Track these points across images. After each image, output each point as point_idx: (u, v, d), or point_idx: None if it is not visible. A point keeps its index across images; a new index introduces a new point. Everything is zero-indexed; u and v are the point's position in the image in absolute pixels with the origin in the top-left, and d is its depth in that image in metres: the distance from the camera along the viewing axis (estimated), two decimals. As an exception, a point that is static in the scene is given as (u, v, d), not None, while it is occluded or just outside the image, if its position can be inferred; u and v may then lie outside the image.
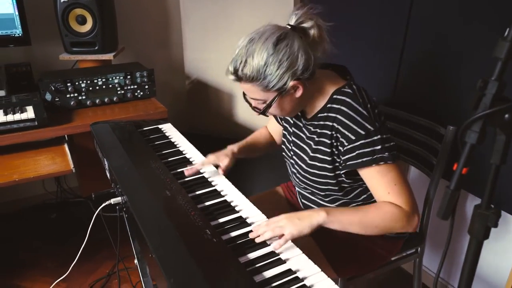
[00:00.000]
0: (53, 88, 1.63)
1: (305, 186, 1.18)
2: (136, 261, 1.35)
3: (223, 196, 1.09)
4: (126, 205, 1.07)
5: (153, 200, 1.03)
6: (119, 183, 1.10)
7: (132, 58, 2.24)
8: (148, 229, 0.91)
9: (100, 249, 1.89)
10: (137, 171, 1.16)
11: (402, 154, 1.43)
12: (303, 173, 1.14)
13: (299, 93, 1.01)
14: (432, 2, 1.48)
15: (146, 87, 1.80)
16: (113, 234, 1.29)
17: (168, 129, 1.53)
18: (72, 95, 1.67)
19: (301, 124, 1.16)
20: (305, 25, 1.01)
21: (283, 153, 1.27)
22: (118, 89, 1.75)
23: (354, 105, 1.00)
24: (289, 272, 0.82)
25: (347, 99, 1.01)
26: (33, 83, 1.85)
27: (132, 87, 1.78)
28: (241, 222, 0.99)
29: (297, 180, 1.20)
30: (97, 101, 1.72)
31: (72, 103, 1.67)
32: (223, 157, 1.21)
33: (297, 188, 1.29)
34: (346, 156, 1.01)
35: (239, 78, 1.00)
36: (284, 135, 1.25)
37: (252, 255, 0.87)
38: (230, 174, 1.22)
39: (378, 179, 1.00)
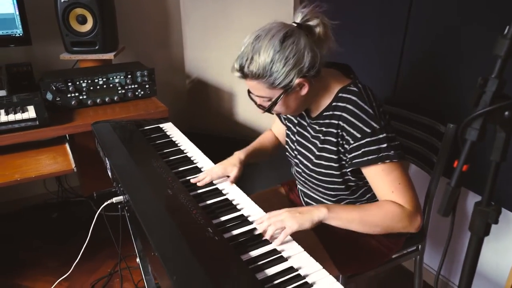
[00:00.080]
0: (54, 88, 1.63)
1: (310, 185, 1.18)
2: (138, 259, 1.36)
3: (224, 195, 1.10)
4: (128, 204, 1.08)
5: (155, 198, 1.03)
6: (120, 182, 1.11)
7: (133, 57, 2.24)
8: (150, 227, 0.91)
9: (101, 248, 1.89)
10: (139, 170, 1.17)
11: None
12: (308, 172, 1.14)
13: (304, 90, 1.01)
14: (431, 1, 1.48)
15: (147, 86, 1.81)
16: (115, 233, 1.30)
17: (169, 128, 1.54)
18: (73, 94, 1.67)
19: (305, 123, 1.16)
20: (310, 23, 1.01)
21: (287, 153, 1.27)
22: (119, 88, 1.76)
23: (360, 103, 1.00)
24: (291, 269, 0.83)
25: (353, 97, 1.01)
26: (34, 83, 1.86)
27: (132, 86, 1.78)
28: (243, 220, 0.99)
29: (302, 179, 1.20)
30: (98, 100, 1.72)
31: (73, 102, 1.68)
32: (231, 168, 1.18)
33: (299, 187, 1.29)
34: (352, 154, 1.01)
35: (244, 75, 1.00)
36: (287, 135, 1.25)
37: (254, 253, 0.87)
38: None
39: (382, 178, 1.00)
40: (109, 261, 1.90)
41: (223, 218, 1.00)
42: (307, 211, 0.97)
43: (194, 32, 2.29)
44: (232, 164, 1.19)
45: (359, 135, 0.99)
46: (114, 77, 1.74)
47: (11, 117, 1.47)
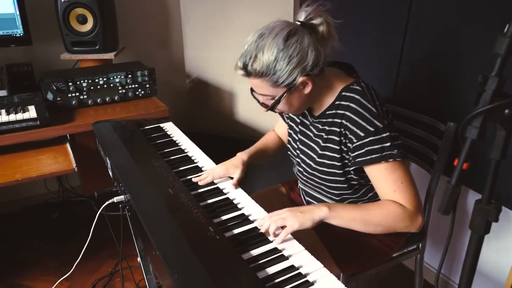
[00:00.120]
0: (54, 88, 1.63)
1: (312, 183, 1.18)
2: (139, 259, 1.36)
3: (225, 194, 1.10)
4: (129, 203, 1.08)
5: (156, 198, 1.04)
6: (121, 182, 1.11)
7: (133, 57, 2.24)
8: (152, 226, 0.91)
9: (102, 248, 1.90)
10: (140, 170, 1.17)
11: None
12: (311, 171, 1.14)
13: (308, 89, 1.01)
14: (431, 1, 1.48)
15: (147, 86, 1.81)
16: (115, 233, 1.30)
17: (170, 127, 1.54)
18: (73, 94, 1.68)
19: (308, 122, 1.16)
20: (314, 21, 1.01)
21: (289, 152, 1.27)
22: (119, 88, 1.76)
23: (363, 102, 1.00)
24: (292, 268, 0.83)
25: (356, 96, 1.01)
26: (34, 83, 1.86)
27: (133, 86, 1.78)
28: (244, 219, 0.99)
29: (304, 178, 1.20)
30: (98, 100, 1.73)
31: (73, 102, 1.68)
32: (233, 169, 1.18)
33: (301, 186, 1.29)
34: (355, 153, 1.01)
35: (248, 74, 1.00)
36: (289, 134, 1.25)
37: (255, 251, 0.88)
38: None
39: (384, 177, 1.00)
40: (110, 260, 1.90)
41: (224, 217, 1.00)
42: (308, 210, 0.97)
43: (194, 31, 2.30)
44: (234, 166, 1.18)
45: (362, 134, 0.99)
46: (115, 77, 1.74)
47: (12, 117, 1.48)
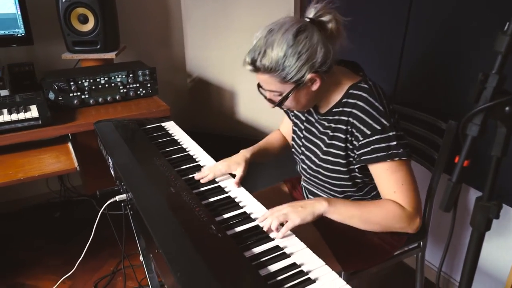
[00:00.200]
0: (56, 87, 1.64)
1: (316, 181, 1.18)
2: (141, 257, 1.37)
3: (227, 192, 1.11)
4: (131, 202, 1.08)
5: (158, 196, 1.04)
6: (123, 180, 1.11)
7: (134, 57, 2.25)
8: (154, 224, 0.92)
9: (104, 247, 1.90)
10: (142, 168, 1.17)
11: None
12: (315, 168, 1.14)
13: (316, 86, 1.01)
14: (431, 1, 1.48)
15: (148, 85, 1.81)
16: (117, 232, 1.30)
17: (171, 127, 1.54)
18: (75, 94, 1.68)
19: (313, 120, 1.16)
20: (323, 18, 1.00)
21: (293, 149, 1.27)
22: (121, 87, 1.76)
23: (371, 100, 1.00)
24: (293, 266, 0.83)
25: (364, 94, 1.01)
26: (36, 82, 1.86)
27: (134, 85, 1.79)
28: (245, 217, 1.00)
29: (308, 175, 1.20)
30: (100, 99, 1.73)
31: (75, 102, 1.69)
32: (235, 166, 1.17)
33: (304, 184, 1.30)
34: (361, 151, 1.02)
35: (256, 69, 1.00)
36: (294, 131, 1.25)
37: (257, 249, 0.88)
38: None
39: (387, 176, 1.00)
40: (112, 260, 1.90)
41: (226, 216, 1.00)
42: (309, 204, 0.97)
43: (195, 31, 2.30)
44: (236, 163, 1.18)
45: (369, 132, 0.99)
46: (116, 76, 1.74)
47: (14, 116, 1.48)
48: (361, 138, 1.01)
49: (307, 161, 1.18)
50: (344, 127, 1.04)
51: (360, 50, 1.81)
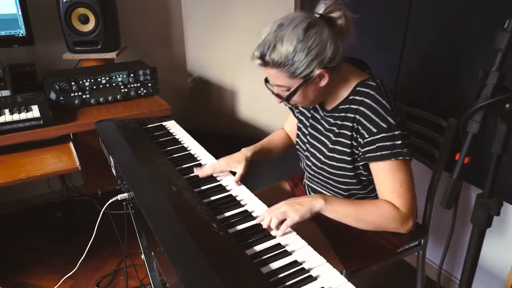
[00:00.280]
0: (57, 87, 1.64)
1: (320, 178, 1.18)
2: (143, 256, 1.37)
3: (228, 191, 1.11)
4: (133, 201, 1.09)
5: (160, 195, 1.04)
6: (125, 179, 1.12)
7: (135, 56, 2.25)
8: (156, 223, 0.92)
9: (105, 246, 1.91)
10: (143, 168, 1.17)
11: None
12: (320, 165, 1.14)
13: (324, 82, 1.01)
14: (431, 1, 1.49)
15: (149, 85, 1.82)
16: (119, 231, 1.31)
17: (172, 126, 1.55)
18: (76, 93, 1.69)
19: (319, 116, 1.16)
20: (333, 15, 1.00)
21: (297, 146, 1.27)
22: (122, 87, 1.77)
23: (378, 98, 1.00)
24: (295, 263, 0.84)
25: (371, 92, 1.01)
26: (37, 83, 1.87)
27: (135, 85, 1.79)
28: (247, 215, 1.00)
29: (312, 172, 1.20)
30: (101, 99, 1.74)
31: (76, 101, 1.69)
32: (236, 164, 1.17)
33: (307, 182, 1.30)
34: (365, 148, 1.02)
35: (265, 63, 0.99)
36: (299, 128, 1.25)
37: (259, 247, 0.88)
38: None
39: (387, 176, 1.01)
40: (113, 259, 1.91)
41: (227, 214, 1.00)
42: (306, 201, 0.97)
43: (196, 31, 2.30)
44: (237, 161, 1.18)
45: (375, 130, 0.99)
46: (117, 76, 1.75)
47: (16, 116, 1.49)
48: (366, 136, 1.01)
49: (312, 158, 1.18)
50: (350, 124, 1.04)
51: (360, 50, 1.81)
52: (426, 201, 1.37)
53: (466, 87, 1.41)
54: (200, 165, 1.25)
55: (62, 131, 1.56)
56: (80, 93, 1.69)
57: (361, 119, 1.02)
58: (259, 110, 2.28)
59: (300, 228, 0.94)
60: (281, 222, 0.93)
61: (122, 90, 1.77)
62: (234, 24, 2.19)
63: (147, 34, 2.32)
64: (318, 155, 1.15)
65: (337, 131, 1.08)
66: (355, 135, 1.04)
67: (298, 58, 0.95)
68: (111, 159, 1.27)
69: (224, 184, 1.14)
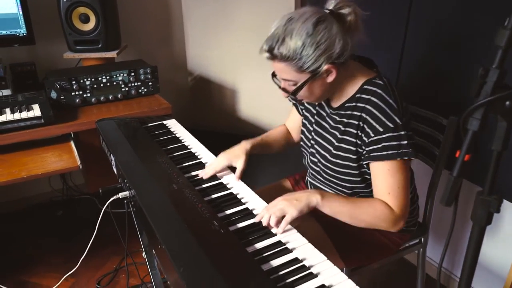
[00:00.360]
0: (58, 86, 1.65)
1: (324, 176, 1.18)
2: (144, 254, 1.37)
3: (229, 189, 1.11)
4: (134, 199, 1.09)
5: (161, 193, 1.05)
6: (126, 178, 1.12)
7: (135, 55, 2.25)
8: (157, 220, 0.92)
9: (106, 245, 1.91)
10: (144, 166, 1.18)
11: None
12: (325, 162, 1.14)
13: (331, 78, 1.00)
14: (432, 1, 1.49)
15: (150, 83, 1.82)
16: (120, 230, 1.31)
17: (173, 124, 1.55)
18: (77, 92, 1.69)
19: (324, 114, 1.16)
20: (343, 11, 1.00)
21: (301, 143, 1.27)
22: (122, 86, 1.77)
23: (385, 97, 1.00)
24: (296, 260, 0.84)
25: (378, 90, 1.01)
26: (38, 82, 1.87)
27: (136, 84, 1.79)
28: (247, 213, 1.00)
29: (317, 169, 1.20)
30: (101, 98, 1.74)
31: (77, 100, 1.69)
32: (236, 159, 1.17)
33: (309, 180, 1.30)
34: (370, 147, 1.02)
35: (273, 57, 0.99)
36: (304, 125, 1.25)
37: (259, 245, 0.89)
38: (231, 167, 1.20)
39: (386, 176, 1.01)
40: (114, 257, 1.92)
41: (228, 212, 1.01)
42: (303, 196, 0.97)
43: (196, 30, 2.30)
44: (236, 155, 1.18)
45: (381, 129, 0.99)
46: (118, 75, 1.75)
47: (17, 115, 1.49)
48: (372, 135, 1.01)
49: (317, 155, 1.18)
50: (356, 123, 1.04)
51: (360, 50, 1.81)
52: (427, 199, 1.37)
53: (466, 87, 1.41)
54: (201, 163, 1.25)
55: (63, 130, 1.56)
56: (81, 92, 1.70)
57: (367, 117, 1.01)
58: (259, 109, 2.28)
59: (301, 225, 0.95)
60: (281, 218, 0.94)
61: (123, 89, 1.77)
62: (235, 23, 2.19)
63: (148, 33, 2.33)
64: (323, 152, 1.15)
65: (343, 129, 1.08)
66: (360, 134, 1.04)
67: (307, 52, 0.95)
68: (112, 158, 1.28)
69: (225, 182, 1.14)
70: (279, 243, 0.89)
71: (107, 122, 1.50)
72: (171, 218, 0.94)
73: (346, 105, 1.08)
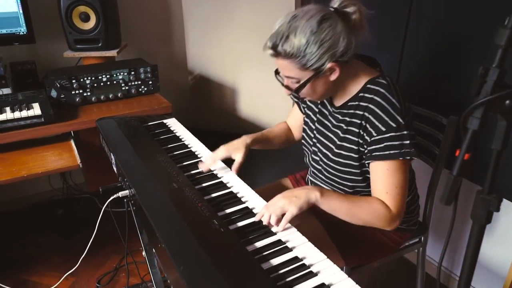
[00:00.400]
0: (58, 85, 1.65)
1: (325, 174, 1.18)
2: (144, 253, 1.38)
3: (229, 188, 1.11)
4: (134, 198, 1.09)
5: (161, 192, 1.05)
6: (126, 177, 1.12)
7: (135, 54, 2.25)
8: (157, 219, 0.92)
9: (106, 244, 1.92)
10: (144, 165, 1.18)
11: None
12: (327, 161, 1.14)
13: (334, 76, 1.00)
14: (431, 1, 1.49)
15: (150, 82, 1.82)
16: (120, 229, 1.31)
17: (173, 123, 1.55)
18: (77, 91, 1.69)
19: (327, 112, 1.16)
20: (348, 9, 1.00)
21: (303, 141, 1.27)
22: (122, 85, 1.77)
23: (388, 96, 1.00)
24: (295, 259, 0.84)
25: (381, 90, 1.01)
26: (38, 80, 1.87)
27: (136, 83, 1.79)
28: (247, 212, 1.00)
29: (319, 167, 1.20)
30: (101, 97, 1.74)
31: (77, 99, 1.69)
32: (235, 152, 1.17)
33: (310, 178, 1.30)
34: (372, 147, 1.01)
35: (277, 54, 0.99)
36: (306, 123, 1.25)
37: (259, 243, 0.89)
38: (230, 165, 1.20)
39: (385, 176, 1.01)
40: (114, 256, 1.92)
41: (228, 211, 1.01)
42: (302, 193, 0.97)
43: (196, 29, 2.31)
44: (236, 148, 1.18)
45: (383, 129, 0.99)
46: (118, 74, 1.75)
47: (17, 114, 1.49)
48: (374, 134, 1.00)
49: (319, 154, 1.18)
50: (358, 122, 1.04)
51: (360, 50, 1.81)
52: (427, 199, 1.37)
53: (466, 86, 1.41)
54: (201, 162, 1.25)
55: (63, 128, 1.57)
56: (81, 91, 1.70)
57: (370, 117, 1.01)
58: (259, 108, 2.28)
59: (301, 224, 0.95)
60: (281, 216, 0.94)
61: (123, 88, 1.77)
62: (235, 22, 2.19)
63: (148, 32, 2.33)
64: (325, 151, 1.15)
65: (345, 128, 1.08)
66: (362, 133, 1.04)
67: (310, 50, 0.95)
68: (112, 157, 1.28)
69: (225, 181, 1.14)
70: (279, 242, 0.89)
71: (107, 121, 1.50)
72: (171, 217, 0.94)
73: (349, 104, 1.08)
